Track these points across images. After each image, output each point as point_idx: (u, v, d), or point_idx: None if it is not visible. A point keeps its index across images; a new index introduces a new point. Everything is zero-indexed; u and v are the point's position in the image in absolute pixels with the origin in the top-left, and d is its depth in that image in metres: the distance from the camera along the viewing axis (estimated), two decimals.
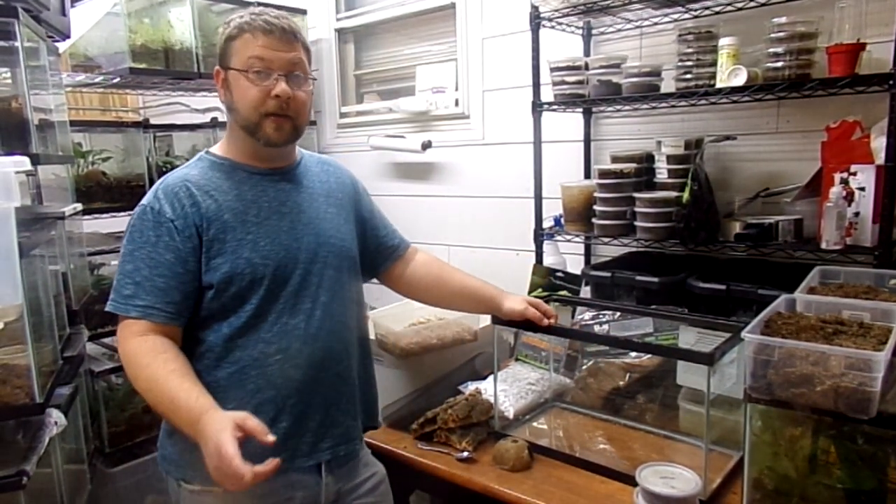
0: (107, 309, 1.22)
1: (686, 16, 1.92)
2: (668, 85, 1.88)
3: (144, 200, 1.25)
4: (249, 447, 1.16)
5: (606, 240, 2.00)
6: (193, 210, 1.22)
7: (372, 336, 1.96)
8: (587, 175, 2.24)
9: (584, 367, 1.71)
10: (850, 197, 1.58)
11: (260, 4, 2.77)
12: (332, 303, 1.32)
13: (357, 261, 1.45)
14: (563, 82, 2.02)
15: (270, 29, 1.23)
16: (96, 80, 2.54)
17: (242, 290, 1.23)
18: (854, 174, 1.58)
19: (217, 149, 1.34)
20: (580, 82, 2.00)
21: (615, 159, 2.03)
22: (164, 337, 1.19)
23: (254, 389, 1.24)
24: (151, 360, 1.15)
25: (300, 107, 1.28)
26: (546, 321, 1.47)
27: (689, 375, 1.45)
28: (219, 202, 1.24)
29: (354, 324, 1.41)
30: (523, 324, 1.50)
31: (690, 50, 1.77)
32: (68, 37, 2.13)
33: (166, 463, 1.31)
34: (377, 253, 1.54)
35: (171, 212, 1.21)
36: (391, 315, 2.06)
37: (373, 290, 3.24)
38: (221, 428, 1.02)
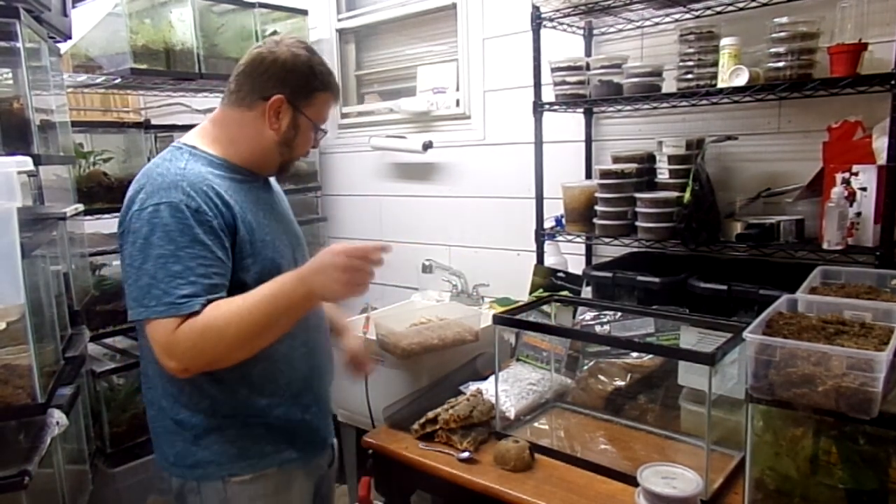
0: (159, 315, 1.13)
1: (687, 16, 1.92)
2: (669, 85, 1.88)
3: (170, 197, 1.17)
4: (292, 434, 1.35)
5: (607, 240, 2.00)
6: (226, 210, 1.22)
7: (373, 336, 1.97)
8: (588, 175, 2.24)
9: (586, 367, 1.71)
10: (851, 197, 1.58)
11: (262, 5, 2.79)
12: None
13: None
14: (565, 82, 2.02)
15: (338, 97, 1.40)
16: (97, 81, 2.54)
17: None
18: (856, 174, 1.58)
19: (204, 145, 1.30)
20: (581, 82, 2.00)
21: (616, 159, 2.03)
22: None
23: (286, 383, 1.32)
24: (224, 305, 1.15)
25: None
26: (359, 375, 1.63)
27: (690, 376, 1.45)
28: (238, 203, 1.25)
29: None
30: (525, 323, 1.49)
31: (692, 50, 1.77)
32: (69, 37, 2.13)
33: (202, 468, 1.28)
34: None
35: (210, 211, 1.19)
36: (392, 316, 2.07)
37: (374, 291, 3.25)
38: (325, 250, 1.15)
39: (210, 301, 1.15)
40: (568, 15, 1.99)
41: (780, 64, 1.62)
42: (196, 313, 1.13)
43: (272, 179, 1.46)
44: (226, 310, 1.14)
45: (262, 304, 1.15)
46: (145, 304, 1.14)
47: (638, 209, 1.87)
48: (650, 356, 1.62)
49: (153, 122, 2.73)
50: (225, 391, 1.27)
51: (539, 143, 2.12)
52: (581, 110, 2.21)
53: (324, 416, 1.43)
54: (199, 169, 1.24)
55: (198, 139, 1.32)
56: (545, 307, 1.73)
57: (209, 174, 1.24)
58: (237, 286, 1.21)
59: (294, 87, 1.27)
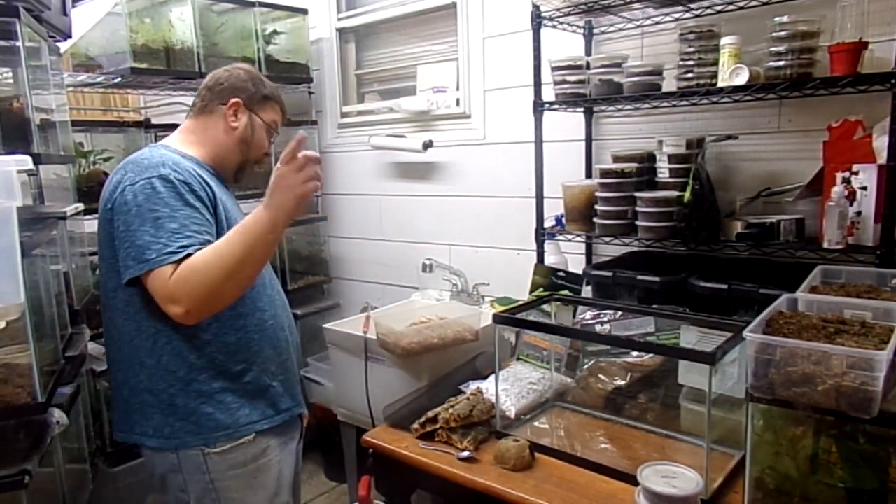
0: (154, 267, 1.24)
1: (687, 15, 1.91)
2: (669, 84, 1.88)
3: (161, 171, 1.31)
4: (263, 398, 1.45)
5: (608, 239, 2.00)
6: (209, 190, 1.38)
7: (373, 336, 1.96)
8: (588, 174, 2.24)
9: (586, 366, 1.71)
10: (851, 196, 1.58)
11: (262, 5, 2.79)
12: (275, 277, 1.59)
13: None
14: (565, 81, 2.01)
15: (285, 113, 1.61)
16: (97, 80, 2.54)
17: None
18: (856, 173, 1.58)
19: (178, 145, 1.48)
20: (581, 81, 2.00)
21: (616, 159, 2.03)
22: None
23: (258, 350, 1.44)
24: (208, 248, 1.27)
25: None
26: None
27: (690, 375, 1.45)
28: (214, 189, 1.40)
29: None
30: (525, 323, 1.49)
31: (692, 49, 1.77)
32: (69, 36, 2.13)
33: (177, 438, 1.37)
34: None
35: (196, 184, 1.34)
36: (392, 315, 2.06)
37: (374, 290, 3.25)
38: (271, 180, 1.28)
39: (206, 243, 1.29)
40: (568, 14, 1.99)
41: (781, 63, 1.62)
42: (188, 257, 1.25)
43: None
44: (209, 251, 1.27)
45: (238, 239, 1.28)
46: (146, 258, 1.26)
47: (638, 208, 1.87)
48: (650, 355, 1.62)
49: (153, 121, 2.73)
50: (203, 357, 1.37)
51: (539, 143, 2.12)
52: (581, 109, 2.21)
53: (290, 386, 1.54)
54: (176, 158, 1.39)
55: (170, 142, 1.50)
56: (545, 306, 1.73)
57: (186, 161, 1.41)
58: None
59: (248, 93, 1.51)
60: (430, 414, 1.55)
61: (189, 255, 1.25)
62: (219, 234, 1.35)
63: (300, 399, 1.59)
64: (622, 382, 1.64)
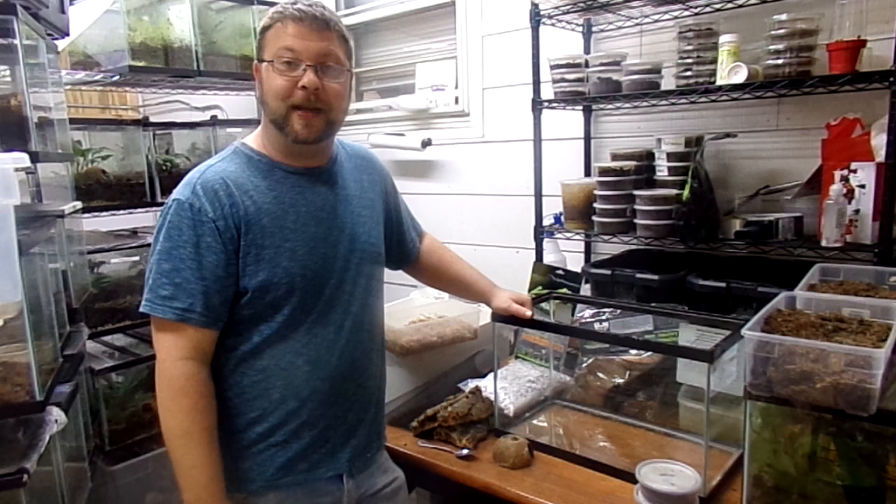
0: (142, 310, 1.17)
1: (686, 13, 1.91)
2: (668, 82, 1.88)
3: (181, 195, 1.17)
4: (271, 457, 1.25)
5: (606, 237, 2.00)
6: (233, 210, 1.17)
7: None
8: (587, 173, 2.24)
9: (584, 364, 1.71)
10: (850, 194, 1.58)
11: (260, 2, 2.78)
12: (362, 313, 1.31)
13: (384, 262, 1.44)
14: (563, 80, 2.01)
15: (301, 17, 1.16)
16: (95, 78, 2.54)
17: (277, 298, 1.19)
18: (854, 171, 1.58)
19: (253, 142, 1.27)
20: (580, 80, 2.00)
21: (615, 157, 2.03)
22: (202, 365, 1.17)
23: (279, 399, 1.23)
24: (190, 407, 1.15)
25: (332, 99, 1.20)
26: (526, 314, 1.52)
27: (689, 373, 1.45)
28: (257, 204, 1.19)
29: (378, 331, 1.40)
30: (522, 321, 1.50)
31: (691, 47, 1.77)
32: (67, 34, 2.12)
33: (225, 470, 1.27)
34: (401, 247, 1.56)
35: (212, 211, 1.15)
36: (391, 313, 2.05)
37: None
38: None
39: (186, 313, 1.15)
40: (567, 12, 1.98)
41: (779, 61, 1.62)
42: (174, 323, 1.15)
43: (347, 169, 1.38)
44: (188, 411, 1.15)
45: (188, 456, 1.15)
46: (145, 298, 1.18)
47: (637, 206, 1.87)
48: (649, 353, 1.63)
49: (151, 119, 2.72)
50: (216, 392, 1.21)
51: (538, 141, 2.12)
52: (580, 108, 2.21)
53: (319, 446, 1.27)
54: (222, 166, 1.21)
55: (253, 134, 1.30)
56: (544, 304, 1.73)
57: (231, 171, 1.21)
58: (242, 292, 1.18)
59: (257, 45, 1.22)
60: (429, 412, 1.55)
61: (170, 319, 1.14)
62: (242, 262, 1.18)
63: (336, 464, 1.29)
64: (621, 380, 1.64)
